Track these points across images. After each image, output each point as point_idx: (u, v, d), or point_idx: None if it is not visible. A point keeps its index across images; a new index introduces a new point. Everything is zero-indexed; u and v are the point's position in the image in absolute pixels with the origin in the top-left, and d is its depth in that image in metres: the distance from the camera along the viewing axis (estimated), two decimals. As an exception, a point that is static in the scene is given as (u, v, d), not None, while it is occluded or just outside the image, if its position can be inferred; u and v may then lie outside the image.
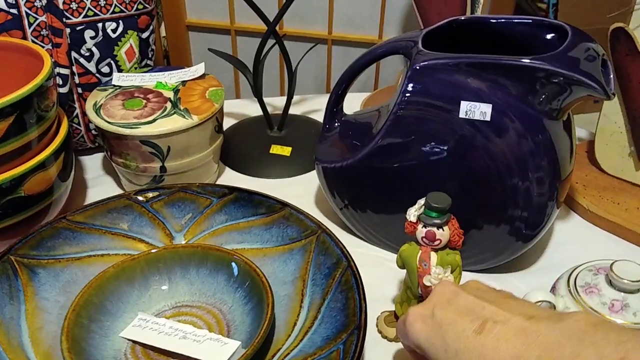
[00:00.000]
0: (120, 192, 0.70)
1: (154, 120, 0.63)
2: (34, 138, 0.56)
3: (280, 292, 0.52)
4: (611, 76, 0.50)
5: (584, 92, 0.49)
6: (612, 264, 0.45)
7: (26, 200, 0.56)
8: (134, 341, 0.49)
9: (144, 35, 0.74)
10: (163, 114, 0.63)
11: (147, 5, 0.73)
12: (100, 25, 0.69)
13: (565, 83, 0.49)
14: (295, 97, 0.86)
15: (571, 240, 0.64)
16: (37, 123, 0.55)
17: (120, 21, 0.70)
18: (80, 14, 0.67)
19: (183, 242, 0.57)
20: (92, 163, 0.76)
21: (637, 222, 0.63)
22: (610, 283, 0.46)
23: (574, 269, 0.49)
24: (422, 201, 0.47)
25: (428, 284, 0.47)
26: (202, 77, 0.71)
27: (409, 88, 0.52)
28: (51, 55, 0.66)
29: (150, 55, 0.77)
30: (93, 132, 0.74)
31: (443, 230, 0.46)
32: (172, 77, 0.70)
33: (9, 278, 0.51)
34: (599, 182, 0.69)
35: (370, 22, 1.00)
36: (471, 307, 0.37)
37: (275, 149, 0.77)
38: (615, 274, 0.45)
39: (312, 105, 0.89)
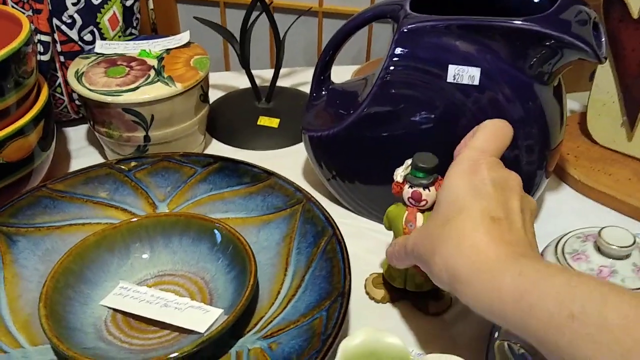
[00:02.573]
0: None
1: (137, 87, 0.61)
2: (12, 104, 0.54)
3: (264, 261, 0.51)
4: (603, 39, 0.49)
5: (575, 56, 0.48)
6: (600, 230, 0.44)
7: (5, 168, 0.55)
8: (114, 309, 0.48)
9: (128, 2, 0.72)
10: (146, 82, 0.62)
11: (130, -28, 0.71)
12: (82, -9, 0.67)
13: (557, 46, 0.47)
14: (285, 70, 0.85)
15: (561, 211, 0.63)
16: (15, 88, 0.54)
17: (103, -13, 0.68)
18: (61, -21, 0.65)
19: (166, 211, 0.56)
20: (76, 134, 0.75)
21: (628, 193, 0.62)
22: (598, 249, 0.45)
23: (562, 237, 0.48)
24: (409, 161, 0.47)
25: None
26: (187, 45, 0.70)
27: (396, 52, 0.51)
28: (32, 22, 0.64)
29: (134, 24, 0.75)
30: (76, 102, 0.72)
31: (429, 190, 0.45)
32: (156, 45, 0.69)
33: (-14, 246, 0.50)
34: (590, 154, 0.68)
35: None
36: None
37: (263, 121, 0.76)
38: (603, 240, 0.44)
39: (301, 78, 0.87)
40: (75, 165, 0.69)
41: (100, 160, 0.70)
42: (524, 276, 0.33)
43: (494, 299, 0.34)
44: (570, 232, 0.48)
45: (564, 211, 0.63)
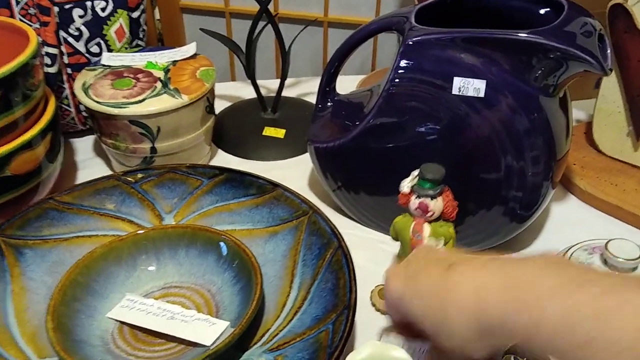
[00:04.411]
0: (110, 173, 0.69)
1: (143, 99, 0.62)
2: (19, 117, 0.55)
3: (270, 273, 0.51)
4: (608, 51, 0.49)
5: (580, 68, 0.48)
6: (607, 242, 0.44)
7: (13, 180, 0.55)
8: (121, 322, 0.48)
9: (135, 14, 0.72)
10: (152, 94, 0.62)
11: (137, -16, 0.72)
12: (89, 3, 0.67)
13: (562, 58, 0.48)
14: (290, 80, 0.85)
15: (568, 222, 0.63)
16: (22, 101, 0.54)
17: (110, 0, 0.69)
18: (68, -8, 0.66)
19: (172, 223, 0.56)
20: (83, 145, 0.75)
21: (635, 204, 0.62)
22: (605, 262, 0.45)
23: (569, 249, 0.48)
24: (416, 172, 0.47)
25: None
26: (193, 56, 0.70)
27: (402, 64, 0.51)
28: (39, 35, 0.65)
29: (141, 36, 0.75)
30: (83, 113, 0.73)
31: (436, 201, 0.45)
32: (162, 57, 0.69)
33: (-5, 258, 0.51)
34: (596, 164, 0.68)
35: (367, 3, 0.99)
36: (443, 257, 0.38)
37: (269, 131, 0.76)
38: (610, 252, 0.44)
39: (307, 88, 0.88)
40: (82, 176, 0.70)
41: (107, 171, 0.70)
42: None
43: None
44: (577, 244, 0.48)
45: (571, 222, 0.63)
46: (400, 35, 0.53)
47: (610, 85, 0.66)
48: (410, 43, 0.50)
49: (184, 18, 1.07)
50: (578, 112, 0.78)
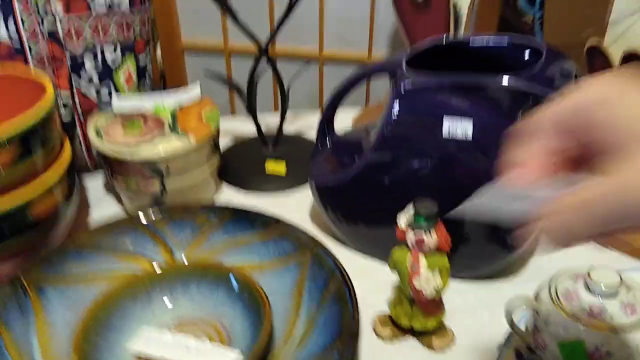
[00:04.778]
0: (122, 210, 0.72)
1: (154, 143, 0.65)
2: (39, 164, 0.58)
3: (277, 304, 0.54)
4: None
5: (559, 109, 0.52)
6: (588, 271, 0.48)
7: (34, 224, 0.59)
8: (139, 354, 0.52)
9: (141, 58, 0.77)
10: (162, 137, 0.66)
11: (143, 30, 0.76)
12: (99, 51, 0.72)
13: (541, 99, 0.52)
14: (288, 113, 0.89)
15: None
16: (42, 149, 0.58)
17: (119, 47, 0.73)
18: (80, 41, 0.70)
19: (184, 259, 0.60)
20: (94, 183, 0.79)
21: (617, 229, 0.66)
22: (588, 289, 0.48)
23: (555, 276, 0.51)
24: (411, 208, 0.50)
25: (418, 286, 0.50)
26: (198, 100, 0.74)
27: (394, 109, 0.55)
28: (52, 81, 0.69)
29: (147, 78, 0.80)
30: (95, 155, 0.77)
31: (431, 234, 0.49)
32: (169, 100, 0.73)
33: (19, 297, 0.54)
34: (581, 191, 0.72)
35: (360, 40, 1.04)
36: None
37: (271, 166, 0.80)
38: (592, 280, 0.47)
39: (304, 122, 0.92)
40: (95, 214, 0.73)
41: (118, 208, 0.74)
42: None
43: None
44: (562, 271, 0.52)
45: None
46: (393, 80, 0.58)
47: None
48: (402, 89, 0.55)
49: (185, 57, 1.12)
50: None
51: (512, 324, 0.51)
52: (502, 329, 0.54)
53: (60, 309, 0.55)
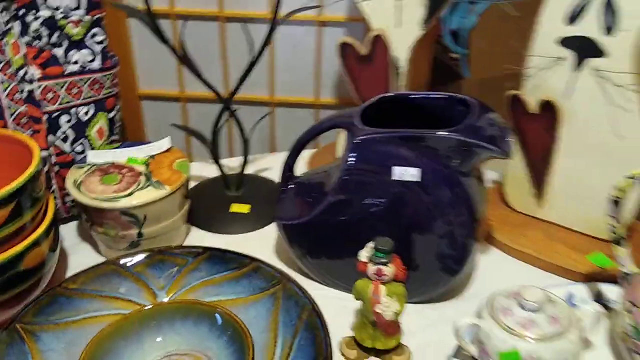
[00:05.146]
0: (99, 257, 0.78)
1: (131, 193, 0.71)
2: (28, 220, 0.63)
3: (256, 334, 0.61)
4: (508, 139, 0.64)
5: (488, 154, 0.62)
6: (519, 289, 0.58)
7: (24, 274, 0.63)
8: (134, 389, 0.57)
9: (111, 114, 0.83)
10: (139, 187, 0.72)
11: (113, 89, 0.82)
12: (73, 110, 0.77)
13: (474, 147, 0.62)
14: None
15: (492, 270, 0.77)
16: (31, 206, 0.63)
17: (92, 105, 0.79)
18: (56, 102, 0.75)
19: (166, 299, 0.66)
20: (68, 231, 0.83)
21: (542, 252, 0.77)
22: (520, 305, 0.58)
23: (493, 296, 0.61)
24: (371, 244, 0.59)
25: (379, 311, 0.58)
26: (167, 150, 0.81)
27: (350, 159, 0.64)
28: (31, 140, 0.74)
29: (116, 132, 0.85)
30: (68, 204, 0.81)
31: (389, 267, 0.58)
32: (140, 152, 0.79)
33: (17, 344, 0.58)
34: (510, 219, 0.83)
35: (307, 87, 1.13)
36: None
37: (235, 207, 0.87)
38: (522, 297, 0.57)
39: (261, 165, 1.00)
40: (73, 261, 0.78)
41: (95, 254, 0.79)
42: None
43: None
44: (498, 291, 0.61)
45: (494, 270, 0.77)
46: (348, 132, 0.66)
47: (516, 156, 0.81)
48: (356, 142, 0.64)
49: (142, 105, 1.18)
50: (492, 173, 0.93)
51: (459, 339, 0.60)
52: (451, 344, 0.62)
53: (56, 353, 0.60)
